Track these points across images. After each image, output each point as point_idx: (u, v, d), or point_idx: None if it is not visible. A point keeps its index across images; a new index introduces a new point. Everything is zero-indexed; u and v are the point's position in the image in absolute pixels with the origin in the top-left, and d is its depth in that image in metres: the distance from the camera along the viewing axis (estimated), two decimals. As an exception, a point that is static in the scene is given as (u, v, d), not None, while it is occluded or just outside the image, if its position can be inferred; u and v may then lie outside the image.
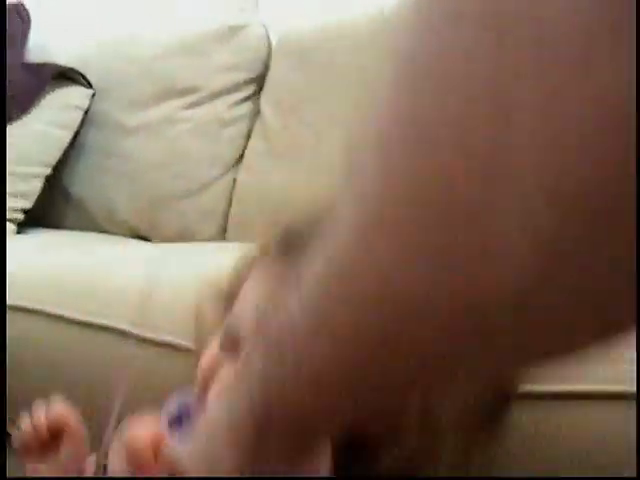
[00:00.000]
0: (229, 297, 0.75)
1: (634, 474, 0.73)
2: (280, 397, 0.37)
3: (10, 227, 1.89)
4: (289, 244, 0.71)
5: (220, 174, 1.90)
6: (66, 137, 1.97)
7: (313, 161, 1.78)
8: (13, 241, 1.79)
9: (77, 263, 1.35)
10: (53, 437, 0.79)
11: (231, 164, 1.91)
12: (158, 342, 1.04)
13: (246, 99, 1.93)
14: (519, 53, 0.28)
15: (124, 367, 0.91)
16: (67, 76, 2.01)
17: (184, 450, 0.52)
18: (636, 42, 0.75)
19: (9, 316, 1.15)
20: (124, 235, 1.93)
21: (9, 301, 1.17)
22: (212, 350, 0.74)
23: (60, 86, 2.00)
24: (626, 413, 0.75)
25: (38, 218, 1.97)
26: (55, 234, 1.92)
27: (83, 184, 2.01)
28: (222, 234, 1.86)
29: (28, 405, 1.05)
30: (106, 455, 0.74)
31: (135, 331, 1.05)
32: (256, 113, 1.92)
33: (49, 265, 1.36)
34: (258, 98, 1.93)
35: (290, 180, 1.79)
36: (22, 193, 1.92)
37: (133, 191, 1.95)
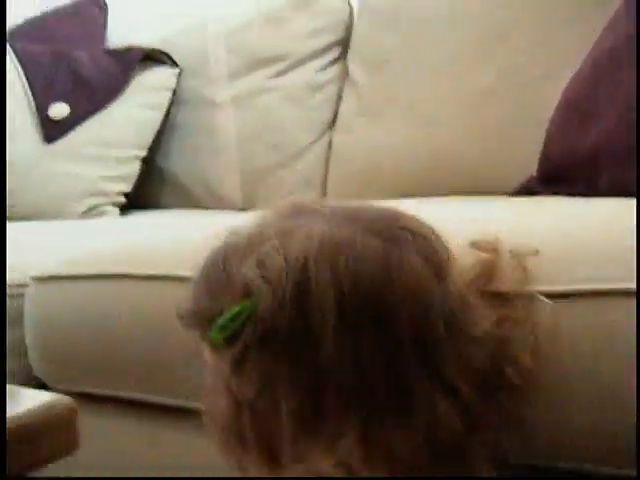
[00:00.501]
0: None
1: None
2: None
3: (113, 211, 1.91)
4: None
5: (315, 139, 1.90)
6: (158, 118, 1.99)
7: (407, 115, 1.77)
8: (121, 221, 1.82)
9: (192, 232, 1.34)
10: None
11: (325, 128, 1.91)
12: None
13: (333, 62, 1.93)
14: None
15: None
16: (152, 58, 2.02)
17: None
18: (636, 42, 0.78)
19: (152, 286, 1.14)
20: (223, 210, 1.93)
21: (151, 271, 1.15)
22: None
23: (146, 68, 2.02)
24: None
25: (137, 200, 1.99)
26: (159, 213, 1.94)
27: (178, 163, 2.02)
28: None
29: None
30: None
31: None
32: (344, 75, 1.92)
33: (171, 235, 1.37)
34: (345, 60, 1.92)
35: (386, 137, 1.78)
36: (121, 177, 1.94)
37: (228, 165, 1.95)
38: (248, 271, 0.71)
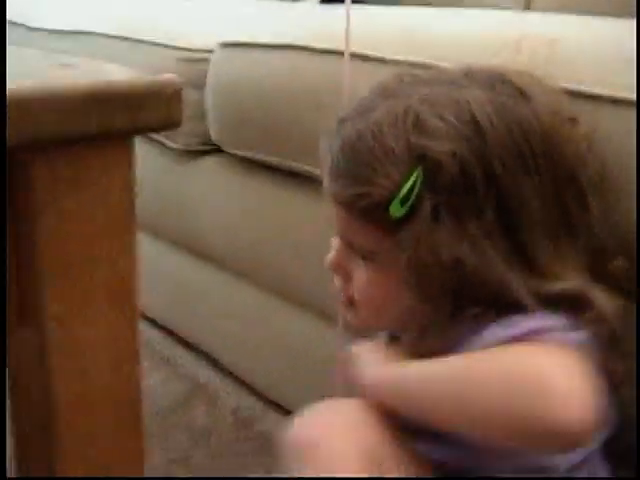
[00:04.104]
0: None
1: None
2: None
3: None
4: None
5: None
6: None
7: None
8: (319, 7, 1.81)
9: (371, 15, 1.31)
10: None
11: None
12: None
13: None
14: None
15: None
16: None
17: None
18: (636, 52, 0.73)
19: (327, 60, 1.13)
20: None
21: (328, 45, 1.13)
22: None
23: None
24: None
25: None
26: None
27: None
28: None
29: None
30: None
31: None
32: None
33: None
34: None
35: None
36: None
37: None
38: (416, 138, 0.72)
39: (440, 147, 0.71)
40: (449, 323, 0.75)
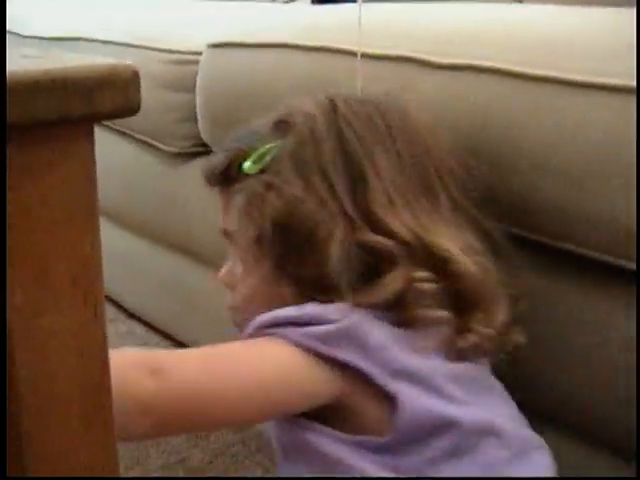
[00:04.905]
0: None
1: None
2: None
3: (305, -1, 1.91)
4: None
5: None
6: None
7: None
8: (310, 7, 1.81)
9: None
10: None
11: None
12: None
13: None
14: None
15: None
16: None
17: None
18: (636, 53, 0.74)
19: (315, 57, 1.12)
20: None
21: (316, 43, 1.13)
22: None
23: None
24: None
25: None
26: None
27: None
28: None
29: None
30: None
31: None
32: None
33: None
34: None
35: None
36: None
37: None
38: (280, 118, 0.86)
39: (298, 111, 0.84)
40: None
